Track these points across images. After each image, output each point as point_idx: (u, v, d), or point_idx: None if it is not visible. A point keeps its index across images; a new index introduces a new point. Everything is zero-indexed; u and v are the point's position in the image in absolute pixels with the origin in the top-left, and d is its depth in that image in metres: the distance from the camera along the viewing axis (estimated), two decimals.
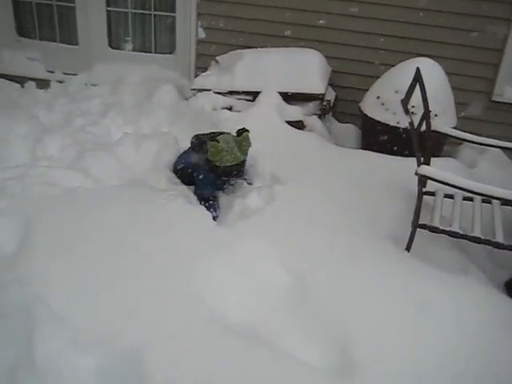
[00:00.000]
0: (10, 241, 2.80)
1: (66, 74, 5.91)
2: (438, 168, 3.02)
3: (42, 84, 5.76)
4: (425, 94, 3.15)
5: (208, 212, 3.13)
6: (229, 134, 3.55)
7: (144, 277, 2.51)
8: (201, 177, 3.48)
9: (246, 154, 3.44)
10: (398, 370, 2.21)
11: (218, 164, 3.33)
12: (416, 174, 2.92)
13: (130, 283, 2.46)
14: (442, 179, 2.85)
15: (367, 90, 4.68)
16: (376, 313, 2.47)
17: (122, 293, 2.41)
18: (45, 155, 3.91)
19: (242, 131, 3.44)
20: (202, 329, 2.28)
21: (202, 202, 3.35)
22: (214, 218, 3.19)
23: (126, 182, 3.56)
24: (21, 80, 5.81)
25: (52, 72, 5.97)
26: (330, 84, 5.02)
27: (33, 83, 5.74)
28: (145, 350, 2.11)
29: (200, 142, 3.57)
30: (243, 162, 3.43)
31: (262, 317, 2.45)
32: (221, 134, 3.54)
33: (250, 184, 3.63)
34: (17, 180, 3.28)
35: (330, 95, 4.99)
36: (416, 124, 3.06)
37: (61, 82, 5.82)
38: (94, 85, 5.68)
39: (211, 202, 3.37)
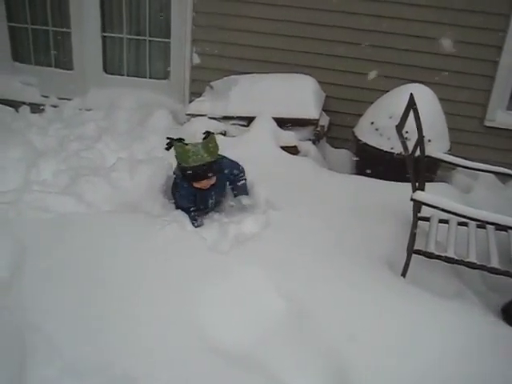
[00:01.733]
0: (3, 266, 2.76)
1: (61, 98, 5.94)
2: (433, 193, 3.03)
3: (37, 109, 5.79)
4: (419, 119, 3.16)
5: (202, 236, 3.11)
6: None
7: (138, 303, 2.48)
8: (179, 192, 3.51)
9: (215, 157, 3.31)
10: None
11: (184, 164, 3.28)
12: (411, 199, 2.92)
13: (124, 310, 2.43)
14: (436, 205, 2.86)
15: (361, 115, 4.71)
16: (372, 340, 2.45)
17: (116, 320, 2.38)
18: (38, 180, 3.89)
19: (207, 134, 3.35)
20: (197, 357, 2.25)
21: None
22: (196, 227, 3.37)
23: (120, 207, 3.54)
24: (15, 104, 5.84)
25: (47, 97, 6.00)
26: (324, 109, 5.06)
27: (27, 108, 5.76)
28: (139, 379, 2.08)
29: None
30: (210, 163, 3.30)
31: (258, 344, 2.43)
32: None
33: (231, 206, 3.59)
34: (10, 205, 3.25)
35: (324, 120, 5.02)
36: (410, 150, 3.07)
37: (55, 106, 5.85)
38: (88, 109, 5.70)
39: (192, 214, 3.44)
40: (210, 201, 3.58)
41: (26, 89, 6.07)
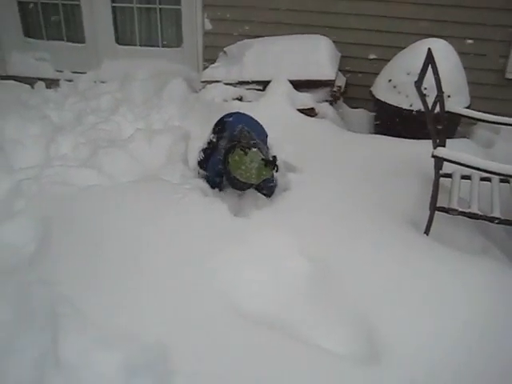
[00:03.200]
0: (30, 241, 2.81)
1: (75, 72, 5.92)
2: (454, 149, 2.98)
3: (52, 84, 5.79)
4: (437, 75, 3.10)
5: (223, 202, 3.12)
6: (262, 155, 3.22)
7: (164, 271, 2.51)
8: (214, 167, 3.42)
9: (259, 181, 3.17)
10: (422, 357, 2.20)
11: (229, 170, 3.17)
12: (432, 156, 2.89)
13: (150, 279, 2.47)
14: (458, 160, 2.82)
15: (378, 74, 4.64)
16: (399, 299, 2.45)
17: (143, 288, 2.41)
18: (58, 154, 3.93)
19: (272, 161, 3.14)
20: (224, 320, 2.28)
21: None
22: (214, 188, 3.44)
23: (141, 177, 3.56)
24: (30, 81, 5.85)
25: (61, 71, 5.99)
26: (340, 69, 4.98)
27: (42, 83, 5.78)
28: (169, 344, 2.11)
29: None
30: (251, 185, 3.24)
31: (283, 306, 2.45)
32: (256, 144, 3.25)
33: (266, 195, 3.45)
34: (32, 180, 3.29)
35: (341, 81, 4.95)
36: (430, 106, 3.02)
37: (70, 80, 5.84)
38: (102, 82, 5.68)
39: (214, 180, 3.47)
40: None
41: (39, 64, 6.07)
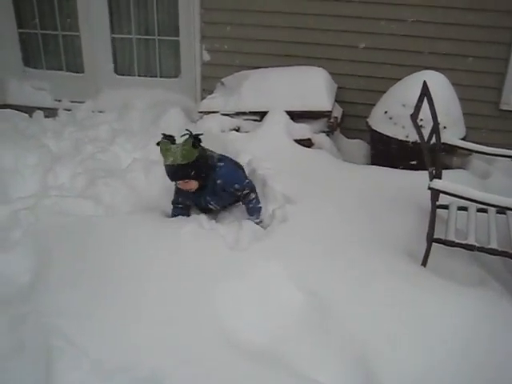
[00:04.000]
0: (26, 272, 2.80)
1: (73, 101, 5.96)
2: (450, 180, 3.00)
3: (50, 113, 5.81)
4: (433, 107, 3.13)
5: (220, 234, 3.12)
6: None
7: (160, 303, 2.50)
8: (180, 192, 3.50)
9: (187, 161, 3.15)
10: None
11: (164, 162, 3.22)
12: (429, 188, 2.90)
13: (146, 310, 2.45)
14: (455, 193, 2.83)
15: (374, 104, 4.68)
16: (395, 331, 2.44)
17: (138, 320, 2.39)
18: (56, 184, 3.93)
19: (189, 135, 3.19)
20: (219, 353, 2.27)
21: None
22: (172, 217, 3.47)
23: (138, 208, 3.56)
24: (28, 110, 5.87)
25: (59, 101, 6.03)
26: (337, 100, 5.02)
27: (41, 112, 5.79)
28: (165, 376, 2.09)
29: None
30: (181, 166, 3.16)
31: (278, 339, 2.44)
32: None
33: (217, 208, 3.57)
34: (30, 210, 3.28)
35: (337, 112, 4.99)
36: (426, 138, 3.04)
37: (68, 110, 5.87)
38: (101, 111, 5.72)
39: (175, 208, 3.52)
40: (205, 204, 3.52)
41: (38, 93, 6.12)
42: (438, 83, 4.14)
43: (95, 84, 5.98)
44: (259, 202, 3.47)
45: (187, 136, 3.18)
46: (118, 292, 2.56)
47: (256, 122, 4.74)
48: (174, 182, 3.41)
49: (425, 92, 3.00)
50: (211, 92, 5.23)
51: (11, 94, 6.13)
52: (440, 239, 3.00)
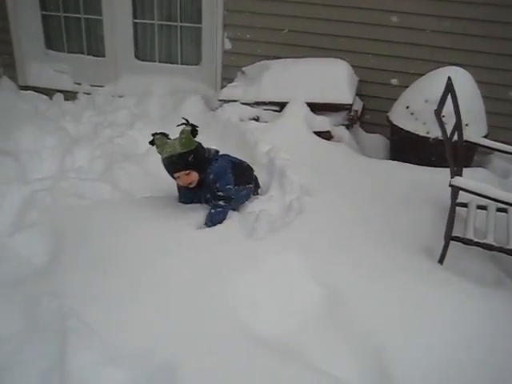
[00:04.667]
0: (41, 253, 2.82)
1: (93, 85, 5.97)
2: (470, 178, 2.96)
3: (70, 96, 5.84)
4: (457, 103, 3.09)
5: (239, 225, 3.12)
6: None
7: (176, 291, 2.50)
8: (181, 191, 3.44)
9: (187, 149, 3.08)
10: None
11: (161, 156, 3.13)
12: (450, 185, 2.86)
13: (161, 298, 2.45)
14: (476, 191, 2.79)
15: (395, 99, 4.63)
16: (410, 327, 2.42)
17: (154, 307, 2.39)
18: (74, 167, 3.95)
19: (185, 124, 3.13)
20: (234, 343, 2.25)
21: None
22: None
23: (155, 193, 3.56)
24: (49, 92, 5.91)
25: (79, 84, 6.04)
26: (358, 94, 4.98)
27: (61, 95, 5.83)
28: (178, 365, 2.09)
29: None
30: (181, 154, 3.07)
31: (294, 330, 2.43)
32: None
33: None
34: (47, 192, 3.30)
35: (358, 105, 4.95)
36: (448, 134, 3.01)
37: (88, 93, 5.89)
38: (120, 96, 5.73)
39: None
40: (205, 202, 3.33)
41: (59, 76, 6.13)
42: (462, 80, 4.08)
43: (116, 68, 5.98)
44: (223, 216, 3.20)
45: (184, 126, 3.12)
46: (133, 278, 2.56)
47: (275, 113, 4.71)
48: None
49: (449, 88, 2.95)
50: (231, 81, 5.21)
51: (33, 76, 6.15)
52: (458, 237, 2.96)
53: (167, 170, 3.19)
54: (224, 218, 3.19)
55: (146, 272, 2.60)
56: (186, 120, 3.15)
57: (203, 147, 3.27)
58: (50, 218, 3.06)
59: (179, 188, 3.42)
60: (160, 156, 3.15)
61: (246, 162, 3.65)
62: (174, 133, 3.13)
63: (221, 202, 3.21)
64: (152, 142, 3.15)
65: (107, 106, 5.44)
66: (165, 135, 3.14)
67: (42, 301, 2.34)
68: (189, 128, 3.10)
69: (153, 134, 3.15)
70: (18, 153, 3.97)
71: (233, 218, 3.24)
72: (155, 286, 2.51)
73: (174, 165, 3.14)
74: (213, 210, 3.20)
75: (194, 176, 3.18)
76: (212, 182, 3.24)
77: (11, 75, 6.12)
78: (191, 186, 3.24)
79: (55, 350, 2.15)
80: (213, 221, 3.15)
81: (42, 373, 2.10)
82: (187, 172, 3.15)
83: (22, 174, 3.69)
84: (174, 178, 3.22)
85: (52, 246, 2.84)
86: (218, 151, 3.42)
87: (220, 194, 3.22)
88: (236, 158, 3.55)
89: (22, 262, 2.78)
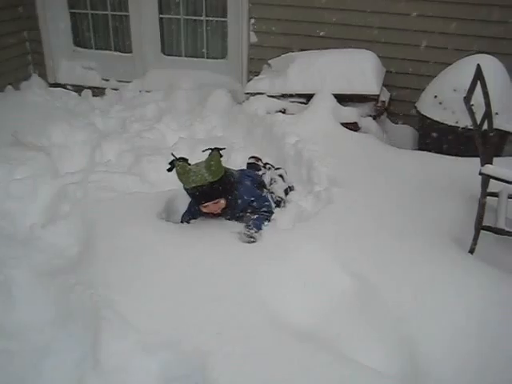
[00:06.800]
0: (74, 244, 2.88)
1: (121, 81, 6.03)
2: (502, 168, 2.92)
3: (98, 92, 5.92)
4: (486, 91, 3.04)
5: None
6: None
7: (206, 281, 2.53)
8: (188, 209, 3.21)
9: (218, 177, 2.87)
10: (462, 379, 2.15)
11: (186, 186, 2.91)
12: (480, 173, 2.83)
13: (192, 288, 2.48)
14: (508, 179, 2.75)
15: (422, 89, 4.58)
16: (440, 317, 2.40)
17: (185, 298, 2.42)
18: (103, 161, 4.01)
19: (211, 151, 2.91)
20: (264, 332, 2.27)
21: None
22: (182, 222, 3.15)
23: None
24: (78, 89, 5.99)
25: (107, 80, 6.11)
26: (385, 85, 4.93)
27: (89, 91, 5.91)
28: (208, 354, 2.11)
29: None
30: (212, 184, 2.86)
31: (324, 320, 2.44)
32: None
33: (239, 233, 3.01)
34: (78, 185, 3.37)
35: (385, 96, 4.91)
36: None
37: (116, 89, 5.95)
38: (147, 91, 5.77)
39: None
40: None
41: (87, 73, 6.22)
42: (491, 68, 4.01)
43: (142, 64, 6.04)
44: (264, 223, 3.10)
45: (210, 151, 2.91)
46: (163, 269, 2.60)
47: (302, 105, 4.69)
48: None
49: (478, 76, 2.91)
50: (257, 74, 5.21)
51: (62, 73, 6.26)
52: (489, 227, 2.93)
53: (194, 199, 3.01)
54: (261, 229, 3.04)
55: (176, 264, 2.63)
56: (212, 148, 2.93)
57: (229, 171, 3.07)
58: (81, 210, 3.11)
59: (192, 211, 3.18)
60: (182, 183, 2.93)
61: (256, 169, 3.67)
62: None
63: (262, 212, 3.16)
64: (170, 168, 2.93)
65: (135, 101, 5.50)
66: (185, 160, 2.93)
67: (75, 290, 2.38)
68: (217, 154, 2.89)
69: (172, 161, 2.92)
70: (50, 148, 4.05)
71: None
72: (186, 277, 2.55)
73: (203, 195, 2.93)
74: (255, 216, 3.10)
75: (222, 204, 3.01)
76: (246, 204, 3.14)
77: (41, 73, 6.25)
78: (217, 212, 3.07)
79: (88, 339, 2.20)
80: (257, 226, 3.02)
81: (75, 361, 2.16)
82: (216, 201, 2.98)
83: (54, 169, 3.77)
84: (199, 206, 3.03)
85: (84, 237, 2.89)
86: (239, 172, 3.28)
87: (263, 210, 3.16)
88: (250, 171, 3.52)
89: (55, 252, 2.84)
